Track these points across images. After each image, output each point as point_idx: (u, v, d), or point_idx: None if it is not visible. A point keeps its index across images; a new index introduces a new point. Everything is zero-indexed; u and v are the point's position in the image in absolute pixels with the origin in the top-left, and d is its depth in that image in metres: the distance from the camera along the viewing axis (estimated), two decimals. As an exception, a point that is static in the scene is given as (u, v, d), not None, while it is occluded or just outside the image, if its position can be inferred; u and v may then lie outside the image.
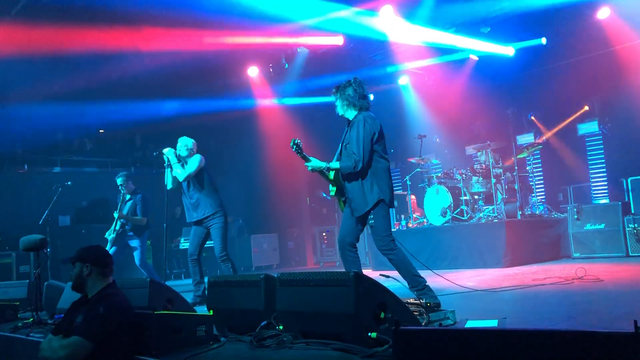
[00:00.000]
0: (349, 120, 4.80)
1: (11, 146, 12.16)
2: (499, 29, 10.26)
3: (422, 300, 3.85)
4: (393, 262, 4.55)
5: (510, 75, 11.41)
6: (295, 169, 13.12)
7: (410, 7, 9.74)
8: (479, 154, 10.07)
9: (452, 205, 9.25)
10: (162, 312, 3.72)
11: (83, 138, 13.50)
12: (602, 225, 8.37)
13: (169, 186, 6.61)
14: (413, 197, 10.83)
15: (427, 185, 10.00)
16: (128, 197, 8.04)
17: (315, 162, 4.73)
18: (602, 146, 10.97)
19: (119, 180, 8.08)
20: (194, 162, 6.46)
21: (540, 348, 1.85)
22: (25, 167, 12.29)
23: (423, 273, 4.61)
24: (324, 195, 13.29)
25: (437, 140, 12.25)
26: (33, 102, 11.69)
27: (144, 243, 8.10)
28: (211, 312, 3.92)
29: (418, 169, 10.46)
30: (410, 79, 12.66)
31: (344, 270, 4.52)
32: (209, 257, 11.53)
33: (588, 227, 8.50)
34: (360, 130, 4.57)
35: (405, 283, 4.48)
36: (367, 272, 5.17)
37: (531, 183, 10.22)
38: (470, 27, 10.29)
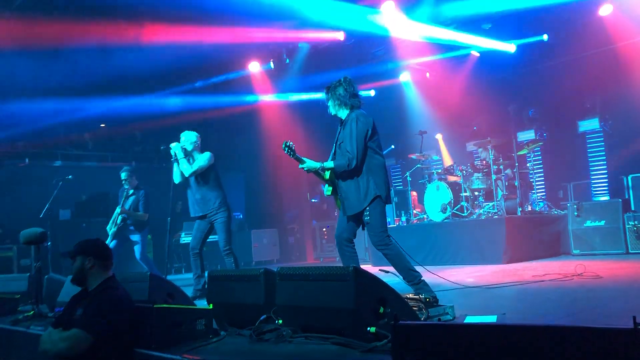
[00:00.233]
0: (341, 119, 4.81)
1: (12, 140, 12.17)
2: (500, 26, 10.24)
3: (421, 295, 3.86)
4: (388, 257, 4.58)
5: (512, 72, 11.40)
6: (295, 164, 13.12)
7: (412, 3, 9.74)
8: (479, 150, 10.08)
9: (452, 201, 9.26)
10: (162, 305, 3.73)
11: (83, 132, 13.50)
12: (602, 222, 8.37)
13: (176, 180, 6.62)
14: (414, 193, 10.84)
15: (428, 181, 10.01)
16: (131, 192, 8.04)
17: (309, 163, 4.75)
18: (602, 143, 10.97)
19: (123, 175, 8.09)
20: (204, 159, 6.46)
21: (539, 343, 1.86)
22: (26, 160, 12.29)
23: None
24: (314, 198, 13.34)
25: (440, 136, 12.25)
26: (34, 96, 11.69)
27: (144, 237, 8.12)
28: (211, 306, 3.92)
29: (418, 165, 10.47)
30: (412, 75, 12.64)
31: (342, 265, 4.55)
32: (210, 251, 11.55)
33: (588, 224, 8.50)
34: (354, 128, 4.59)
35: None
36: (366, 267, 5.20)
37: (531, 180, 10.23)
38: (471, 23, 10.27)
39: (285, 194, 13.93)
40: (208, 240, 6.78)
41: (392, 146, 11.59)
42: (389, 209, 10.49)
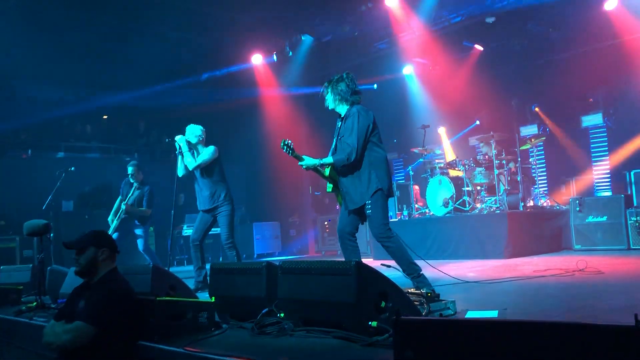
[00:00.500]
0: (340, 114, 4.81)
1: (15, 131, 12.19)
2: (504, 19, 10.19)
3: (423, 290, 3.87)
4: (389, 249, 4.59)
5: (515, 67, 11.36)
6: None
7: (416, -4, 9.72)
8: (482, 145, 10.06)
9: (454, 195, 9.26)
10: (164, 298, 3.74)
11: (86, 124, 13.51)
12: (604, 218, 8.36)
13: (180, 174, 6.62)
14: (416, 187, 10.83)
15: (430, 175, 10.00)
16: (136, 185, 8.05)
17: (308, 160, 4.75)
18: (605, 138, 10.93)
19: (130, 169, 8.09)
20: (208, 153, 6.45)
21: (540, 340, 1.86)
22: (29, 152, 12.31)
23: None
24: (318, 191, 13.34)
25: (443, 130, 12.22)
26: (37, 87, 11.70)
27: (147, 230, 8.17)
28: (213, 299, 3.94)
29: (421, 159, 10.46)
30: (415, 68, 12.61)
31: (344, 259, 4.56)
32: (211, 244, 11.58)
33: (590, 219, 8.49)
34: (355, 122, 4.59)
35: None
36: (368, 261, 5.20)
37: (534, 175, 10.21)
38: (475, 16, 10.22)
39: (288, 187, 13.93)
40: (211, 232, 6.79)
41: (394, 140, 11.58)
42: (391, 202, 10.50)
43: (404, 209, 10.62)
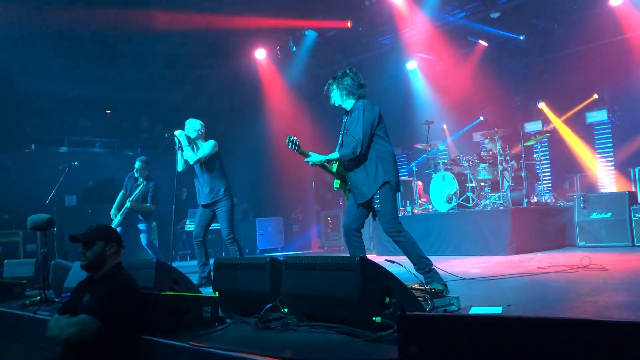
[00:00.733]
0: (346, 109, 4.79)
1: (19, 126, 12.21)
2: (509, 15, 10.14)
3: (429, 286, 3.87)
4: (400, 244, 4.58)
5: (520, 63, 11.31)
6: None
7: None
8: (486, 140, 10.03)
9: (458, 192, 9.24)
10: (168, 292, 3.75)
11: (90, 119, 13.53)
12: (609, 215, 8.34)
13: (180, 168, 6.62)
14: (419, 183, 10.82)
15: (434, 171, 9.98)
16: (141, 180, 8.05)
17: (314, 157, 4.74)
18: (610, 135, 10.89)
19: (137, 164, 8.10)
20: (207, 147, 6.44)
21: (544, 336, 1.86)
22: (33, 146, 12.34)
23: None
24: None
25: (445, 126, 12.20)
26: (41, 82, 11.72)
27: (150, 225, 8.18)
28: (217, 294, 3.94)
29: (425, 155, 10.43)
30: (419, 63, 12.57)
31: (348, 255, 4.55)
32: (215, 239, 11.60)
33: (594, 216, 8.47)
34: (361, 116, 4.58)
35: (412, 268, 4.49)
36: (371, 257, 5.19)
37: (538, 171, 10.19)
38: (480, 12, 10.18)
39: (291, 182, 13.94)
40: (214, 228, 6.79)
41: (398, 136, 11.51)
42: (394, 198, 10.46)
43: (407, 204, 10.60)
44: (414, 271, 4.47)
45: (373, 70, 11.74)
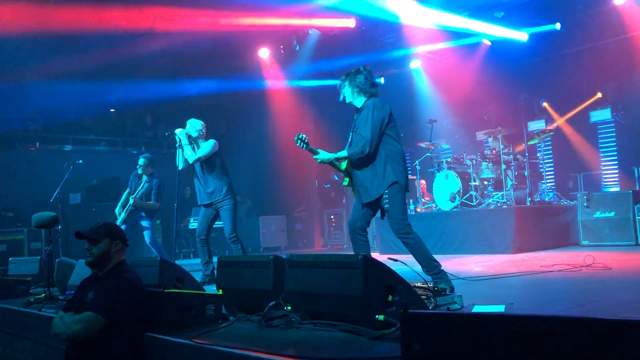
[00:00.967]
0: (356, 107, 4.78)
1: (23, 124, 12.25)
2: (512, 14, 10.13)
3: (437, 287, 3.87)
4: (409, 246, 4.54)
5: (523, 61, 11.29)
6: (304, 151, 13.10)
7: (424, -11, 9.66)
8: (489, 139, 10.03)
9: (461, 190, 9.24)
10: (172, 290, 3.77)
11: (94, 117, 13.57)
12: (612, 214, 8.33)
13: (180, 167, 6.63)
14: (422, 181, 10.82)
15: (437, 170, 9.98)
16: (145, 178, 8.07)
17: (323, 154, 4.71)
18: (614, 134, 10.87)
19: (141, 161, 8.11)
20: (207, 146, 6.45)
21: (547, 334, 1.86)
22: (37, 145, 12.38)
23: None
24: (328, 184, 13.33)
25: (448, 125, 12.18)
26: (45, 80, 11.74)
27: (154, 223, 8.19)
28: (220, 292, 3.96)
29: (428, 154, 10.43)
30: (422, 62, 12.56)
31: (352, 253, 4.55)
32: (217, 237, 11.63)
33: (597, 214, 8.46)
34: (370, 114, 4.55)
35: (415, 267, 4.49)
36: (374, 255, 5.20)
37: (541, 170, 10.18)
38: (483, 11, 10.17)
39: (294, 181, 13.95)
40: (216, 226, 6.81)
41: (401, 134, 11.46)
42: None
43: (411, 203, 10.61)
44: (416, 269, 4.46)
45: (376, 69, 11.71)
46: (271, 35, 11.65)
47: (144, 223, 8.08)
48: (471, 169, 9.46)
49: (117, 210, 8.11)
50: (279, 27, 11.03)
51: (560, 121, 11.21)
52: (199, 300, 3.66)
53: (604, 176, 10.88)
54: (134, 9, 9.80)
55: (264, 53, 12.18)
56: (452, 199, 9.30)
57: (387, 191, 4.55)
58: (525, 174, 9.25)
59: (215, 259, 5.38)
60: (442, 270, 4.49)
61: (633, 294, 4.30)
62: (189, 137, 6.53)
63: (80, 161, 8.99)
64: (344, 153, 4.68)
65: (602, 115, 10.85)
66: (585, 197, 8.64)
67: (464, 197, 9.26)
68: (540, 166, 10.14)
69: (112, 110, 13.87)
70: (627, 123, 10.48)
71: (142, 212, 8.05)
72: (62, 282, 5.51)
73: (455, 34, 10.95)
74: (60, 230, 5.55)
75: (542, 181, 10.12)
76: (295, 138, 4.59)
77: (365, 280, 2.97)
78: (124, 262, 3.67)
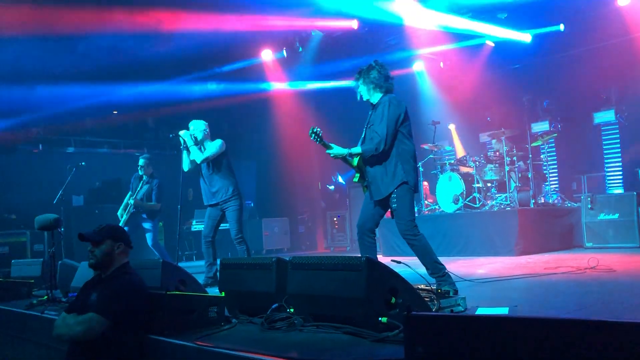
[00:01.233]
0: (372, 104, 4.74)
1: (26, 126, 12.26)
2: (516, 15, 10.11)
3: (440, 289, 3.85)
4: (415, 247, 4.51)
5: (527, 62, 11.27)
6: (307, 153, 13.12)
7: (427, -9, 9.65)
8: (493, 141, 10.00)
9: (464, 192, 9.21)
10: (175, 292, 3.76)
11: (96, 119, 13.57)
12: (616, 216, 8.29)
13: (186, 168, 6.62)
14: (425, 183, 10.80)
15: (440, 172, 9.96)
16: (145, 179, 8.07)
17: (337, 149, 4.68)
18: (618, 135, 10.83)
19: (140, 161, 8.12)
20: (215, 146, 6.44)
21: (551, 336, 1.84)
22: (40, 147, 12.40)
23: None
24: (332, 185, 13.29)
25: (453, 126, 12.17)
26: (48, 82, 11.76)
27: (156, 225, 8.19)
28: (223, 294, 3.95)
29: (431, 156, 10.41)
30: (425, 64, 12.54)
31: (357, 255, 4.53)
32: (220, 239, 11.61)
33: (601, 216, 8.43)
34: (385, 111, 4.52)
35: (418, 268, 4.47)
36: (377, 257, 5.17)
37: (545, 172, 10.15)
38: (487, 12, 10.15)
39: (297, 183, 13.94)
40: (220, 228, 6.80)
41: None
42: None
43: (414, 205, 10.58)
44: (420, 272, 4.44)
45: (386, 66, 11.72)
46: (274, 36, 11.66)
47: (146, 225, 8.07)
48: (474, 171, 9.43)
49: (119, 213, 8.11)
50: (281, 28, 11.03)
51: (563, 123, 11.17)
52: (202, 302, 3.65)
53: (607, 178, 10.84)
54: (137, 11, 9.82)
55: (266, 55, 12.19)
56: (456, 201, 9.28)
57: (395, 191, 4.52)
58: (529, 175, 9.22)
59: (218, 261, 5.37)
60: (447, 272, 4.46)
61: (638, 296, 4.28)
62: (195, 139, 6.51)
63: (82, 163, 8.99)
64: (358, 149, 4.65)
65: (606, 116, 10.81)
66: (589, 198, 8.61)
67: (467, 199, 9.24)
68: (544, 168, 10.11)
69: (114, 112, 13.88)
70: (631, 124, 10.44)
71: (144, 214, 8.05)
72: (65, 284, 5.50)
73: (459, 36, 10.94)
74: (62, 232, 5.56)
75: (546, 183, 10.09)
76: (310, 132, 4.55)
77: (368, 283, 2.96)
78: (127, 264, 3.67)
